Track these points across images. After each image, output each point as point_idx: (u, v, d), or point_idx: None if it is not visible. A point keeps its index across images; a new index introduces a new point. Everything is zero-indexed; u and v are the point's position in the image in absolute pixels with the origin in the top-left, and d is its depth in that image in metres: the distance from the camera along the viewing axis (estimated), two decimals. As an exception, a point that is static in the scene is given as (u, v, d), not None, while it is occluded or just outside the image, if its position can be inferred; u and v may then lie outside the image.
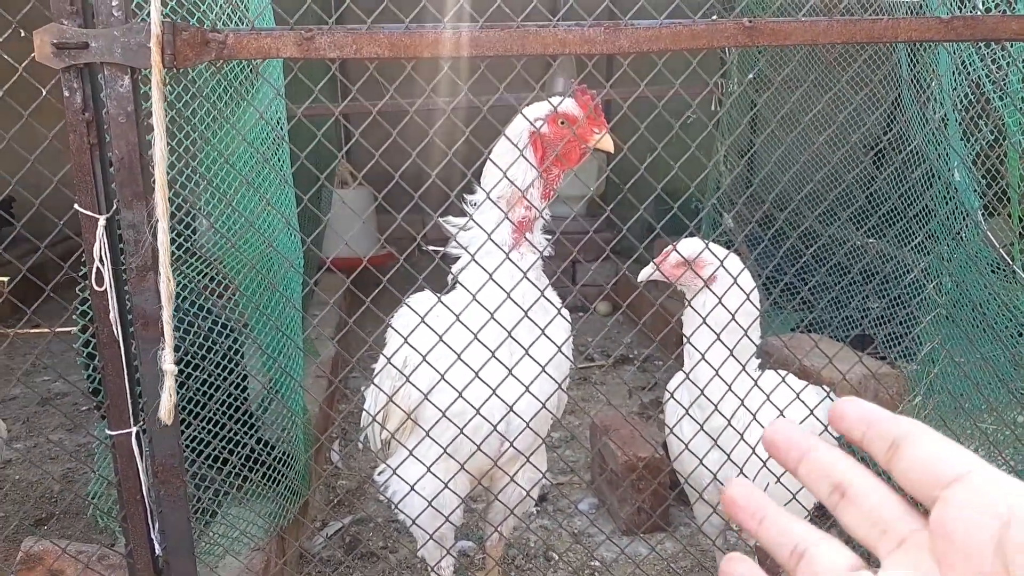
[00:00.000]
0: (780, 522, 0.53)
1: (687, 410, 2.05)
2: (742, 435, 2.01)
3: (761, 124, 4.18)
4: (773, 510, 0.54)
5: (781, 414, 2.00)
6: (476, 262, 1.72)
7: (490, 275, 1.70)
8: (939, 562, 0.43)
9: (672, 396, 2.19)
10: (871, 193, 3.50)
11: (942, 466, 0.45)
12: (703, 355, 2.01)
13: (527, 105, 1.98)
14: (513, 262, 1.80)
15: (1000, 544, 0.40)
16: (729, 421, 2.01)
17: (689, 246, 2.16)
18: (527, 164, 1.92)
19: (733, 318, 1.95)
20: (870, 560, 0.48)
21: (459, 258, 2.03)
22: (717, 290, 1.98)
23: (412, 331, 1.69)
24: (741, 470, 2.06)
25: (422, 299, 1.98)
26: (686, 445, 2.08)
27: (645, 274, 2.22)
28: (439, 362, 1.73)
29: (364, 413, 2.31)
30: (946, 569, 0.43)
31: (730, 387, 1.97)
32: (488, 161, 1.94)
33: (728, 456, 2.02)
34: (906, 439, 0.47)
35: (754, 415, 2.00)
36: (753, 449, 2.03)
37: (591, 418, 3.59)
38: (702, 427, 2.02)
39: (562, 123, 1.94)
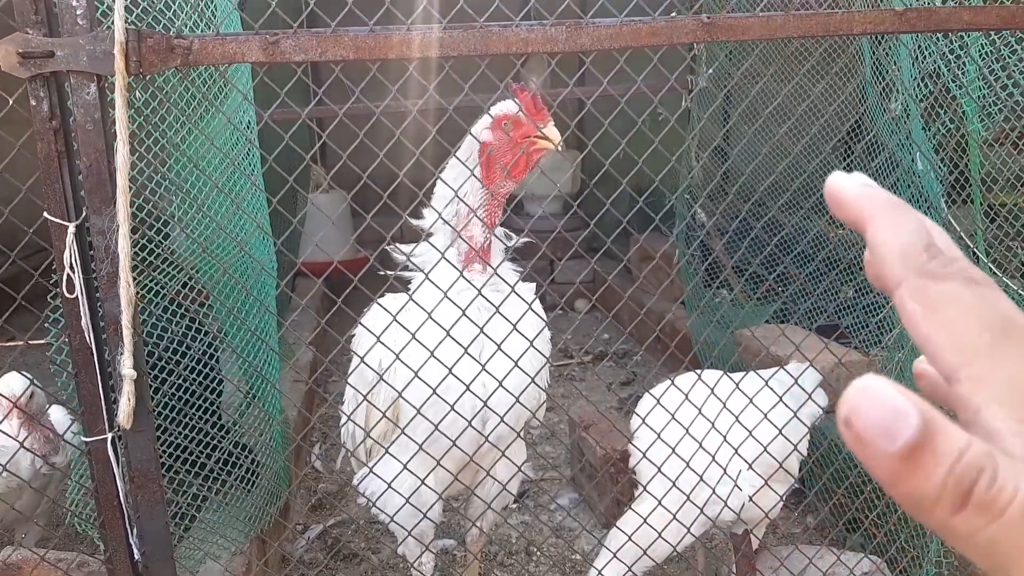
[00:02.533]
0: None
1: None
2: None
3: (728, 119, 4.23)
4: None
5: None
6: (447, 259, 1.74)
7: (459, 275, 1.72)
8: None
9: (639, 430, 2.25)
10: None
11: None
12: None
13: (493, 104, 1.98)
14: (483, 263, 1.82)
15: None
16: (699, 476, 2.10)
17: None
18: (476, 183, 1.90)
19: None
20: None
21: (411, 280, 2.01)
22: None
23: (384, 330, 1.71)
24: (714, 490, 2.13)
25: (392, 298, 1.99)
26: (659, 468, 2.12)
27: None
28: (412, 360, 1.75)
29: (342, 415, 2.32)
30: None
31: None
32: (439, 182, 1.92)
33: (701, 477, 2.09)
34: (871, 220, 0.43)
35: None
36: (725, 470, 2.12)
37: (568, 414, 3.62)
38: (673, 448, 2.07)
39: (505, 125, 1.91)
